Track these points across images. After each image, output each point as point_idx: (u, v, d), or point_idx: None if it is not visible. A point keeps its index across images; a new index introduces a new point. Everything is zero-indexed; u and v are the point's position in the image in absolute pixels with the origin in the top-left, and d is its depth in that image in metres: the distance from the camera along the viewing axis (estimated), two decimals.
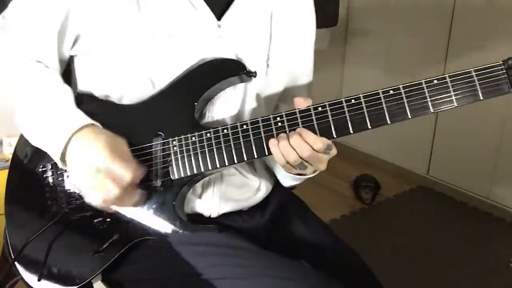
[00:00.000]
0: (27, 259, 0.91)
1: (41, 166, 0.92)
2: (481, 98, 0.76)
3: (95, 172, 0.78)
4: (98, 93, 0.90)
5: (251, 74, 0.87)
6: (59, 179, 0.91)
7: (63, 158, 0.82)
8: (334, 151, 0.82)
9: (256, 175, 1.00)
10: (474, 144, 2.48)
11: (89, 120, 0.83)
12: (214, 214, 0.94)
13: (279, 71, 0.95)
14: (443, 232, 2.32)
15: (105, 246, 0.87)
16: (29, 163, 0.94)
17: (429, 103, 0.77)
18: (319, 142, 0.78)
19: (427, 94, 0.76)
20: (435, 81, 0.76)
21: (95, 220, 0.87)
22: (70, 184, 0.89)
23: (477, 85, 0.75)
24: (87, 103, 0.89)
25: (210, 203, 0.94)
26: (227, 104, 0.91)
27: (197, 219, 0.92)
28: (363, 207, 2.56)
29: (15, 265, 0.91)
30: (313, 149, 0.78)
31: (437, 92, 0.76)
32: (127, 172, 0.78)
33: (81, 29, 0.87)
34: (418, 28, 2.62)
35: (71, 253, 0.90)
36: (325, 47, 2.82)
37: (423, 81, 0.77)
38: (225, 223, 0.95)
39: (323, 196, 2.50)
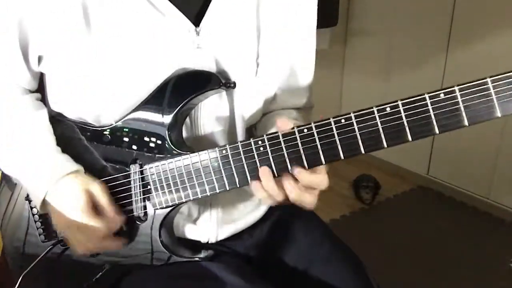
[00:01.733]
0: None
1: (25, 196, 0.89)
2: (499, 114, 0.62)
3: (71, 227, 0.78)
4: (72, 115, 0.85)
5: (229, 86, 0.79)
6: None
7: (43, 206, 0.81)
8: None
9: None
10: (474, 144, 2.48)
11: (67, 169, 0.80)
12: (212, 240, 0.91)
13: (275, 66, 0.87)
14: (443, 232, 2.31)
15: (96, 277, 0.86)
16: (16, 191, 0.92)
17: (434, 123, 0.64)
18: (325, 180, 0.73)
19: (431, 112, 0.64)
20: (442, 95, 0.63)
21: None
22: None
23: (494, 99, 0.61)
24: (61, 127, 0.85)
25: (207, 229, 0.90)
26: (215, 113, 0.84)
27: (192, 244, 0.90)
28: (363, 207, 2.55)
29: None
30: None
31: (444, 110, 0.64)
32: (100, 227, 0.77)
33: (41, 50, 0.81)
34: (418, 28, 2.62)
35: (66, 284, 0.90)
36: (325, 47, 2.82)
37: (426, 95, 0.64)
38: (223, 245, 0.92)
39: (323, 196, 2.48)
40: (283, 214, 1.00)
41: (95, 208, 0.79)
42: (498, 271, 2.04)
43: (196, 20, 0.79)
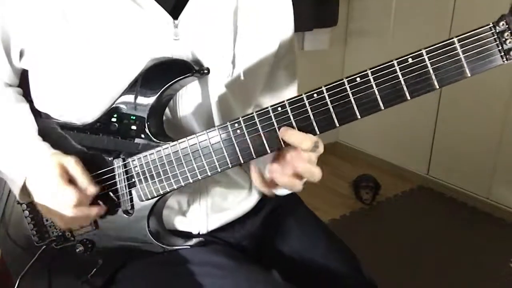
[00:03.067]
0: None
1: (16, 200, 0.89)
2: (469, 74, 0.61)
3: (48, 200, 0.79)
4: (55, 114, 0.86)
5: (202, 72, 0.79)
6: (37, 213, 0.89)
7: (22, 193, 0.82)
8: (321, 149, 0.74)
9: (245, 174, 0.97)
10: (474, 144, 2.48)
11: (46, 152, 0.81)
12: (203, 231, 0.92)
13: (252, 70, 0.88)
14: (443, 232, 2.31)
15: (91, 273, 0.87)
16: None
17: (405, 88, 0.64)
18: (308, 140, 0.70)
19: (401, 78, 0.64)
20: (410, 60, 0.63)
21: (77, 250, 0.86)
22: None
23: (462, 58, 0.61)
24: (46, 127, 0.86)
25: (197, 221, 0.91)
26: (193, 104, 0.84)
27: (183, 235, 0.91)
28: (363, 207, 2.55)
29: None
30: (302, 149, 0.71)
31: (413, 74, 0.63)
32: (72, 194, 0.77)
33: (22, 44, 0.82)
34: (418, 28, 2.62)
35: (63, 282, 0.91)
36: (325, 47, 2.82)
37: (394, 61, 0.64)
38: (214, 235, 0.93)
39: (323, 196, 2.50)
40: (275, 208, 1.00)
41: (70, 181, 0.79)
42: (498, 271, 2.03)
43: (174, 13, 0.80)
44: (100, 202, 0.83)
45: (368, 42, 2.91)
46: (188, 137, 0.77)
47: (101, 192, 0.82)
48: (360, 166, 2.89)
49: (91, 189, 0.80)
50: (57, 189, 0.77)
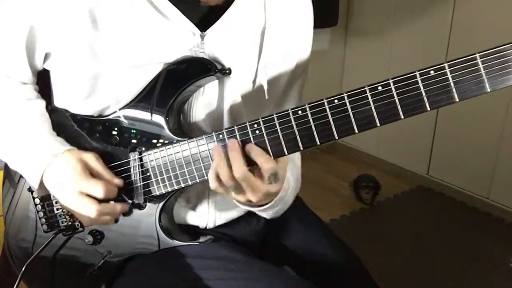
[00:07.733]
0: (29, 276, 0.91)
1: (28, 187, 0.90)
2: (488, 89, 0.63)
3: (73, 196, 0.79)
4: (74, 109, 0.87)
5: (224, 72, 0.81)
6: (47, 201, 0.89)
7: (41, 187, 0.82)
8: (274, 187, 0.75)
9: None
10: (474, 144, 2.48)
11: (61, 148, 0.82)
12: (210, 225, 0.93)
13: (273, 85, 0.90)
14: (443, 232, 2.31)
15: (99, 264, 0.87)
16: (18, 181, 0.93)
17: (425, 100, 0.65)
18: (270, 162, 0.72)
19: (422, 89, 0.65)
20: (432, 72, 0.65)
21: (86, 240, 0.87)
22: (58, 204, 0.89)
23: (483, 74, 0.62)
24: (62, 119, 0.87)
25: (205, 215, 0.92)
26: (205, 107, 0.86)
27: (191, 229, 0.92)
28: (363, 207, 2.55)
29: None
30: (260, 169, 0.72)
31: (434, 86, 0.64)
32: (98, 187, 0.77)
33: (49, 48, 0.84)
34: (418, 28, 2.62)
35: (69, 272, 0.91)
36: (325, 47, 2.82)
37: (417, 73, 0.65)
38: (220, 231, 0.94)
39: (323, 196, 2.50)
40: None
41: (91, 175, 0.80)
42: (498, 271, 2.04)
43: (202, 25, 0.81)
44: (125, 197, 0.82)
45: (368, 42, 2.91)
46: (206, 135, 0.78)
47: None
48: (360, 166, 2.90)
49: (117, 181, 0.80)
50: (84, 182, 0.77)
